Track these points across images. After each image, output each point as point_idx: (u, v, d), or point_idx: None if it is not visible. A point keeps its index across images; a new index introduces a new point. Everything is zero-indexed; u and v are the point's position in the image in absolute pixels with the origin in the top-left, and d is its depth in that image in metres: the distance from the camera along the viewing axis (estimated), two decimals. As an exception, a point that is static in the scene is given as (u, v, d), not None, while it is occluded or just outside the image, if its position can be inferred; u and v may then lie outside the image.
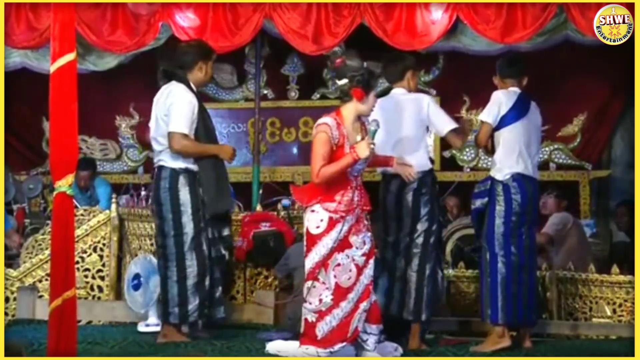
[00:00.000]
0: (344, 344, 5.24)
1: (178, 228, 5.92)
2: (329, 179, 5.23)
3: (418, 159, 5.81)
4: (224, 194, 6.06)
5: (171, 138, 5.88)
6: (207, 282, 5.93)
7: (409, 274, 5.82)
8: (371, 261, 5.34)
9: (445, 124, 5.94)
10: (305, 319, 5.31)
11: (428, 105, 5.91)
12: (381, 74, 6.11)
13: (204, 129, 6.02)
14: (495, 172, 5.85)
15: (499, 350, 5.70)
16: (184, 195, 5.91)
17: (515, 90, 5.91)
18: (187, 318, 5.94)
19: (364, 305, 5.27)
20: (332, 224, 5.26)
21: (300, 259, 6.25)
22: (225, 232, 6.16)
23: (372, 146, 5.20)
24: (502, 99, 5.84)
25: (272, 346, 5.51)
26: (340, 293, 5.25)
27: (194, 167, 5.96)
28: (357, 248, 5.30)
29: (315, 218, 5.30)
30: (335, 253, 5.26)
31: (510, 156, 5.81)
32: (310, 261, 5.32)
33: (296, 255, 6.35)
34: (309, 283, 5.31)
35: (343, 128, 5.30)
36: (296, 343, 5.37)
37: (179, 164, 5.94)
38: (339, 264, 5.27)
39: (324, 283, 5.27)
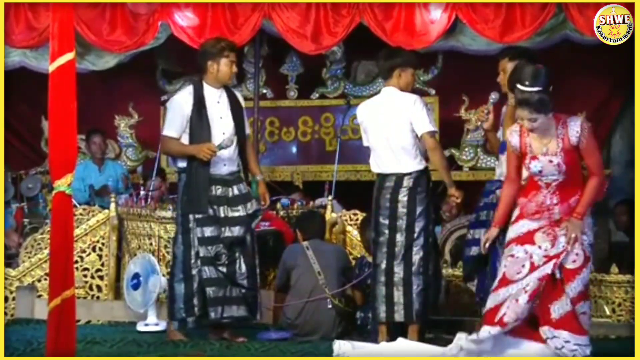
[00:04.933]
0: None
1: (175, 225, 6.12)
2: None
3: (411, 159, 5.79)
4: (200, 197, 5.94)
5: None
6: (194, 282, 5.93)
7: (412, 278, 5.73)
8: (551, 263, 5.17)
9: (421, 125, 5.80)
10: None
11: (414, 105, 5.80)
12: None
13: (200, 128, 5.98)
14: None
15: None
16: (180, 194, 6.04)
17: None
18: (174, 315, 6.00)
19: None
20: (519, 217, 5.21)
21: (296, 259, 6.26)
22: (227, 233, 5.99)
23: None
24: None
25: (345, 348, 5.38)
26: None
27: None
28: (539, 247, 5.14)
29: None
30: (512, 244, 5.14)
31: None
32: None
33: (292, 255, 6.34)
34: None
35: None
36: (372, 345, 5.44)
37: (179, 165, 6.08)
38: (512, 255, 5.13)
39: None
